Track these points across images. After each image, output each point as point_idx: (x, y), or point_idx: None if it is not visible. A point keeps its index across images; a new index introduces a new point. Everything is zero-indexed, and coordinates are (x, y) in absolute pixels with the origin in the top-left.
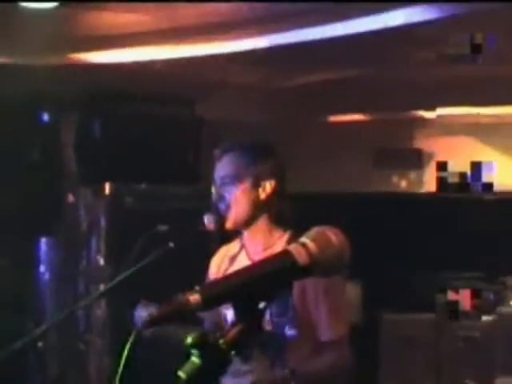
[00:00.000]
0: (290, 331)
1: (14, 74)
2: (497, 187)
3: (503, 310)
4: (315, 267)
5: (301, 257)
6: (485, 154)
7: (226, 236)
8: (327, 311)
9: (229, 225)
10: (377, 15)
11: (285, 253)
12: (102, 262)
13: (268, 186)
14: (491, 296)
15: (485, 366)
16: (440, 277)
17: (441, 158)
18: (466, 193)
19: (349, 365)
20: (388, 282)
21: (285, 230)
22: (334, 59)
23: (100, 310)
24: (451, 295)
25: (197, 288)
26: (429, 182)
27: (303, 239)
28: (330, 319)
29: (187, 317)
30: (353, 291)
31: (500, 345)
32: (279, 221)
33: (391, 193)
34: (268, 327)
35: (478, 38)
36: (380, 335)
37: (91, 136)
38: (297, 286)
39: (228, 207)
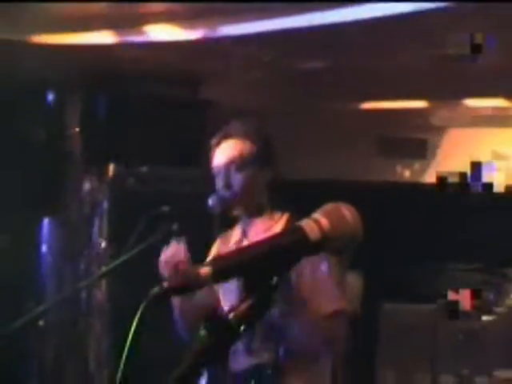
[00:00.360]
0: (284, 307)
1: (20, 53)
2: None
3: (505, 303)
4: (327, 243)
5: (313, 232)
6: (488, 146)
7: (227, 220)
8: (326, 284)
9: (236, 210)
10: (384, 2)
11: (297, 228)
12: (104, 243)
13: (269, 172)
14: (491, 296)
15: (483, 357)
16: (441, 268)
17: (445, 149)
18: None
19: (344, 340)
20: (389, 273)
21: (282, 213)
22: (339, 46)
23: (100, 292)
24: (451, 295)
25: (208, 261)
26: (433, 173)
27: (316, 215)
28: (329, 292)
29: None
30: (354, 281)
31: (499, 337)
32: (277, 204)
33: (394, 182)
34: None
35: (478, 38)
36: (380, 324)
37: (95, 117)
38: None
39: (235, 194)
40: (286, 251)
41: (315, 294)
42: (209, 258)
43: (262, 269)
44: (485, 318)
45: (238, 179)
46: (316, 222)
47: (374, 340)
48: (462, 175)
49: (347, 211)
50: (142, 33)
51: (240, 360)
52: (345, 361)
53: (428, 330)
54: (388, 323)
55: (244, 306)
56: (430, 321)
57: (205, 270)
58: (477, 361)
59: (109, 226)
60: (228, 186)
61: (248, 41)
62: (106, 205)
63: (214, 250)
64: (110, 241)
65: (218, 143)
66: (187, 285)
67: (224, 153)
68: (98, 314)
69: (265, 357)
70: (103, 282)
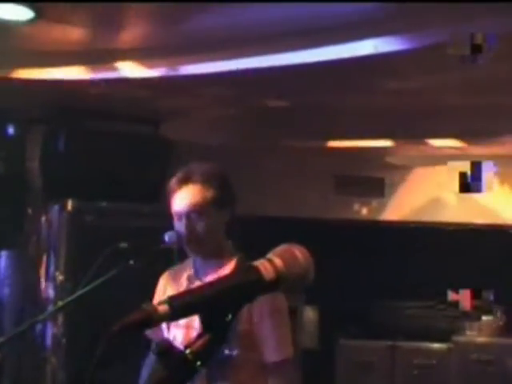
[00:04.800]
0: (229, 351)
1: None
2: (453, 219)
3: (458, 338)
4: (281, 282)
5: (267, 272)
6: (446, 186)
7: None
8: (273, 333)
9: (201, 253)
10: (345, 44)
11: (252, 268)
12: (61, 277)
13: (228, 212)
14: (491, 296)
15: None
16: (396, 304)
17: (402, 188)
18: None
19: None
20: (345, 308)
21: (232, 254)
22: (298, 85)
23: (57, 328)
24: (451, 295)
25: (165, 299)
26: (390, 211)
27: (270, 255)
28: (275, 341)
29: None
30: (310, 316)
31: (455, 373)
32: (233, 241)
33: (352, 220)
34: None
35: (478, 38)
36: (336, 360)
37: (56, 151)
38: (245, 310)
39: (198, 238)
40: (243, 290)
41: (264, 342)
42: (157, 292)
43: (218, 307)
44: (439, 346)
45: (201, 226)
46: (270, 262)
47: (331, 375)
48: (462, 175)
49: (299, 252)
50: (105, 69)
51: None
52: None
53: (384, 365)
54: (344, 359)
55: (200, 342)
56: (385, 356)
57: (163, 308)
58: None
59: (67, 260)
60: (192, 232)
61: (210, 79)
62: (64, 239)
63: (162, 284)
64: (68, 275)
65: (179, 187)
66: (145, 321)
67: (185, 199)
68: (54, 348)
69: None
70: (60, 317)
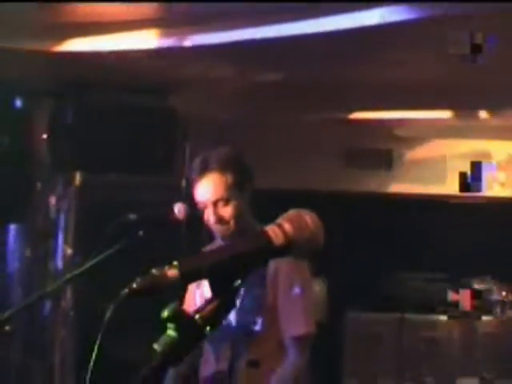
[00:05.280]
0: (256, 327)
1: None
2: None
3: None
4: (290, 248)
5: (277, 237)
6: (455, 157)
7: (195, 227)
8: (297, 307)
9: (231, 234)
10: (351, 14)
11: (262, 233)
12: (69, 251)
13: (249, 190)
14: (491, 297)
15: (446, 366)
16: (405, 277)
17: (411, 160)
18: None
19: (305, 365)
20: (354, 281)
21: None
22: (307, 57)
23: (65, 300)
24: (451, 295)
25: (175, 263)
26: (398, 183)
27: (280, 220)
28: (299, 315)
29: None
30: (318, 288)
31: (461, 345)
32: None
33: (361, 192)
34: (238, 321)
35: (478, 38)
36: (344, 333)
37: (64, 124)
38: (271, 284)
39: (232, 222)
40: (251, 255)
41: (287, 314)
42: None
43: (227, 272)
44: (447, 319)
45: (227, 212)
46: (280, 228)
47: (339, 348)
48: (462, 175)
49: (309, 217)
50: (111, 41)
51: (209, 367)
52: (308, 368)
53: (392, 338)
54: (352, 331)
55: (210, 308)
56: (393, 329)
57: (172, 272)
58: (440, 369)
59: (75, 234)
60: (220, 220)
61: (218, 51)
62: (72, 212)
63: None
64: (77, 248)
65: (199, 178)
66: (154, 286)
67: (207, 188)
68: (63, 321)
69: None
70: (69, 290)
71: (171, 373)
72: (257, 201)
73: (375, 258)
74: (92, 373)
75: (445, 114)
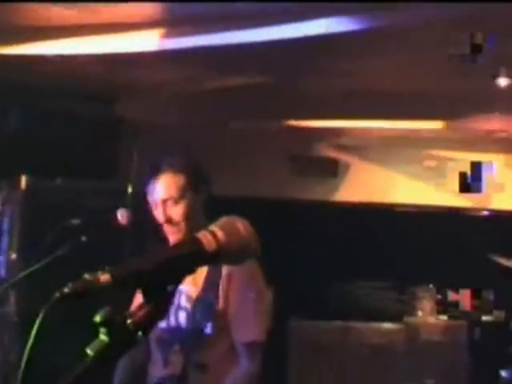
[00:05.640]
0: (207, 330)
1: None
2: (406, 200)
3: (410, 319)
4: (222, 254)
5: (209, 243)
6: (400, 165)
7: (139, 233)
8: (250, 313)
9: (181, 237)
10: (298, 23)
11: (194, 239)
12: (14, 256)
13: (203, 197)
14: (491, 296)
15: (390, 373)
16: (351, 286)
17: (357, 168)
18: (385, 205)
19: (258, 372)
20: (299, 289)
21: None
22: (254, 64)
23: (9, 306)
24: (451, 295)
25: (108, 268)
26: (344, 191)
27: (212, 227)
28: (252, 321)
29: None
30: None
31: (405, 353)
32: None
33: (306, 200)
34: (189, 325)
35: (478, 38)
36: (289, 341)
37: (9, 128)
38: (223, 289)
39: (180, 223)
40: (183, 260)
41: (239, 320)
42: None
43: (160, 277)
44: (390, 326)
45: (176, 211)
46: (212, 234)
47: (283, 356)
48: (462, 175)
49: (241, 224)
50: (57, 46)
51: (157, 369)
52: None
53: (336, 346)
54: (296, 340)
55: (142, 313)
56: (338, 338)
57: (104, 277)
58: (383, 376)
59: (20, 238)
60: (169, 219)
61: (164, 57)
62: (17, 217)
63: None
64: (21, 253)
65: (153, 179)
66: (86, 290)
67: (159, 189)
68: (6, 327)
69: (178, 368)
70: (12, 296)
71: (125, 361)
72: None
73: (320, 267)
74: (24, 377)
75: (390, 124)
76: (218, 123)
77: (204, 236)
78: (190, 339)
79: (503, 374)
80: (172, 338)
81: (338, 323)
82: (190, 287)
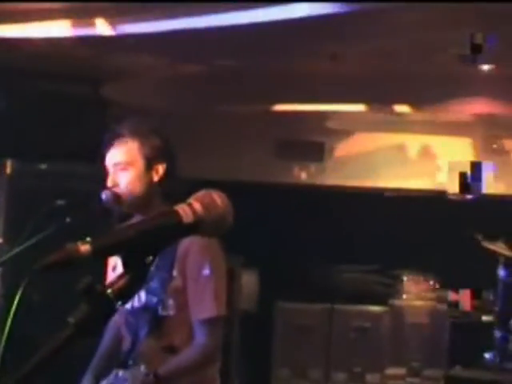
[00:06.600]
0: (165, 312)
1: None
2: (392, 184)
3: (395, 302)
4: (199, 226)
5: (186, 215)
6: (387, 150)
7: (124, 214)
8: (207, 288)
9: (125, 208)
10: (281, 6)
11: (172, 211)
12: (0, 240)
13: (160, 169)
14: (491, 296)
15: (375, 355)
16: (337, 269)
17: (342, 153)
18: (370, 189)
19: (213, 350)
20: (284, 272)
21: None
22: (237, 47)
23: None
24: (451, 295)
25: (87, 238)
26: (329, 175)
27: (190, 200)
28: (210, 296)
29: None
30: (249, 278)
31: (390, 335)
32: (171, 201)
33: (292, 183)
34: (148, 304)
35: (478, 38)
36: (274, 323)
37: None
38: (180, 266)
39: (123, 191)
40: (161, 232)
41: (195, 297)
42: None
43: (138, 248)
44: (376, 308)
45: (123, 178)
46: (189, 206)
47: (269, 338)
48: (462, 175)
49: (218, 197)
50: (44, 28)
51: (126, 348)
52: (240, 359)
53: (322, 329)
54: (282, 322)
55: (121, 282)
56: (323, 320)
57: (84, 247)
58: (369, 358)
59: (5, 223)
60: (115, 185)
61: (149, 40)
62: (3, 201)
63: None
64: (7, 237)
65: (110, 143)
66: (66, 260)
67: (112, 153)
68: None
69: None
70: None
71: (112, 323)
72: (188, 191)
73: (306, 250)
74: (6, 348)
75: (376, 107)
76: (202, 107)
77: (182, 208)
78: (152, 320)
79: (486, 356)
80: (136, 320)
81: (324, 306)
82: None
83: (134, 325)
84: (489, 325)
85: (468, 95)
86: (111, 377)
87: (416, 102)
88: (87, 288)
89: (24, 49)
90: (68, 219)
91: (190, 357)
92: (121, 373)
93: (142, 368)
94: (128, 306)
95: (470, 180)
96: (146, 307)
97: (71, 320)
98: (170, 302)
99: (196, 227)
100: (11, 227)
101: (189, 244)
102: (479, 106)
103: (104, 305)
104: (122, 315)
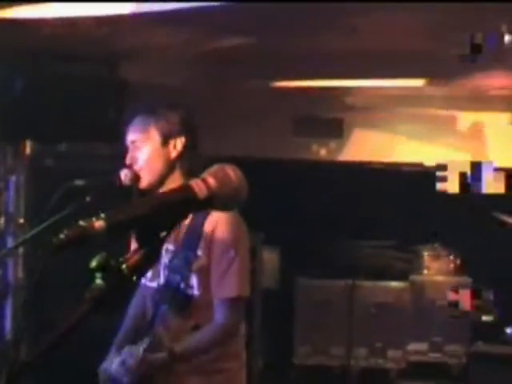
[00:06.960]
0: (190, 291)
1: None
2: (410, 159)
3: (415, 277)
4: (213, 200)
5: (200, 190)
6: (404, 125)
7: (144, 193)
8: (232, 268)
9: (143, 185)
10: None
11: (186, 186)
12: (21, 221)
13: (178, 144)
14: (490, 296)
15: (396, 331)
16: (355, 244)
17: (361, 129)
18: (390, 165)
19: (232, 329)
20: (305, 248)
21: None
22: (256, 24)
23: (17, 267)
24: (451, 295)
25: (102, 215)
26: (348, 152)
27: (204, 175)
28: (234, 276)
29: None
30: (270, 256)
31: (411, 311)
32: (191, 177)
33: (311, 160)
34: (161, 280)
35: (478, 38)
36: (295, 300)
37: (13, 93)
38: (206, 246)
39: (141, 168)
40: (176, 207)
41: (219, 276)
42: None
43: (152, 223)
44: (397, 284)
45: (140, 156)
46: (204, 181)
47: (290, 315)
48: (462, 175)
49: (232, 172)
50: (58, 8)
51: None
52: (261, 335)
53: (343, 305)
54: (303, 298)
55: (136, 257)
56: (344, 296)
57: (99, 223)
58: (390, 334)
59: (26, 203)
60: (133, 162)
61: (163, 18)
62: (23, 182)
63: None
64: (28, 217)
65: (129, 120)
66: (81, 237)
67: (129, 131)
68: (15, 289)
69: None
70: (20, 259)
71: (138, 300)
72: (205, 168)
73: (326, 226)
74: (23, 327)
75: (394, 83)
76: (220, 85)
77: (196, 183)
78: (174, 297)
79: (508, 330)
80: (160, 297)
81: (345, 282)
82: (174, 245)
83: (158, 302)
84: None
85: (491, 69)
86: (122, 353)
87: (436, 77)
88: (102, 264)
89: (40, 30)
90: (88, 199)
91: (207, 336)
92: (126, 349)
93: (145, 344)
94: (154, 283)
95: (470, 180)
96: (167, 285)
97: (87, 295)
98: (194, 280)
99: (210, 201)
100: (32, 208)
101: (215, 223)
102: (502, 80)
103: (119, 280)
104: (149, 293)
